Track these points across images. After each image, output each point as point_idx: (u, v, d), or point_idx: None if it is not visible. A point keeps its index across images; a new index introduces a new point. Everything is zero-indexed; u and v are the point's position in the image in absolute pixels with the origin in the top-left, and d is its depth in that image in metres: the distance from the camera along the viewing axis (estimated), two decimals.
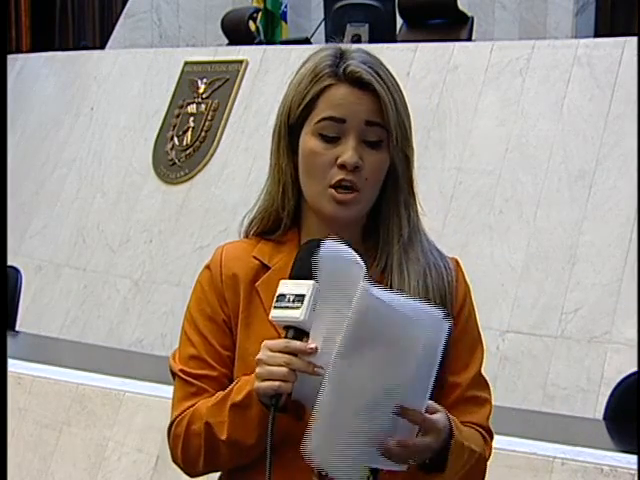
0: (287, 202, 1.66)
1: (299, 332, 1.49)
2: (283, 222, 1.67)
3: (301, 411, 1.53)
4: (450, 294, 1.65)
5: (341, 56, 1.63)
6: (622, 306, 4.44)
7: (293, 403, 1.52)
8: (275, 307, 1.51)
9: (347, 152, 1.59)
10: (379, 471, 1.53)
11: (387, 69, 1.65)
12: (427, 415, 1.49)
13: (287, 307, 1.49)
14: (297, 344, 1.48)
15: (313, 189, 1.63)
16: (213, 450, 1.59)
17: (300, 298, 1.48)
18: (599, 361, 4.43)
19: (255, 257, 1.66)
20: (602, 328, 4.47)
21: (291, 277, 1.53)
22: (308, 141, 1.62)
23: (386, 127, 1.61)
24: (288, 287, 1.50)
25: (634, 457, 2.61)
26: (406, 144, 1.64)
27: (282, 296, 1.50)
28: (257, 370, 1.50)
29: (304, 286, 1.49)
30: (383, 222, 1.66)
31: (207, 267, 1.69)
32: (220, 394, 1.60)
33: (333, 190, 1.60)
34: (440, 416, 1.51)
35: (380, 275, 1.64)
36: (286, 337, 1.49)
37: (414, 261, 1.64)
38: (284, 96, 1.67)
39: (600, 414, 3.23)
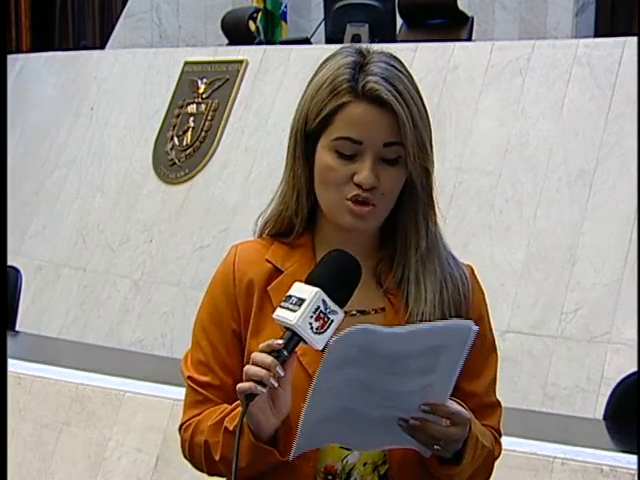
0: (301, 209, 1.65)
1: (296, 336, 1.48)
2: (296, 227, 1.66)
3: (288, 448, 1.53)
4: (466, 305, 1.65)
5: (361, 67, 1.59)
6: (622, 306, 4.44)
7: (283, 438, 1.53)
8: (280, 306, 1.51)
9: (363, 172, 1.57)
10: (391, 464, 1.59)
11: (407, 77, 1.61)
12: (454, 407, 1.52)
13: (288, 308, 1.49)
14: (266, 359, 1.47)
15: (329, 200, 1.61)
16: (212, 464, 1.62)
17: (301, 302, 1.48)
18: (599, 361, 4.42)
19: (268, 260, 1.66)
20: (602, 328, 4.47)
21: (306, 281, 1.52)
22: (324, 155, 1.60)
23: (404, 145, 1.59)
24: (296, 289, 1.51)
25: (634, 457, 2.62)
26: (425, 158, 1.62)
27: (289, 297, 1.51)
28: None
29: (308, 292, 1.49)
30: (401, 231, 1.65)
31: (220, 270, 1.69)
32: (223, 410, 1.61)
33: (350, 202, 1.59)
34: (463, 409, 1.54)
35: (397, 286, 1.64)
36: (282, 337, 1.49)
37: (431, 273, 1.63)
38: (302, 100, 1.64)
39: (600, 414, 3.23)
